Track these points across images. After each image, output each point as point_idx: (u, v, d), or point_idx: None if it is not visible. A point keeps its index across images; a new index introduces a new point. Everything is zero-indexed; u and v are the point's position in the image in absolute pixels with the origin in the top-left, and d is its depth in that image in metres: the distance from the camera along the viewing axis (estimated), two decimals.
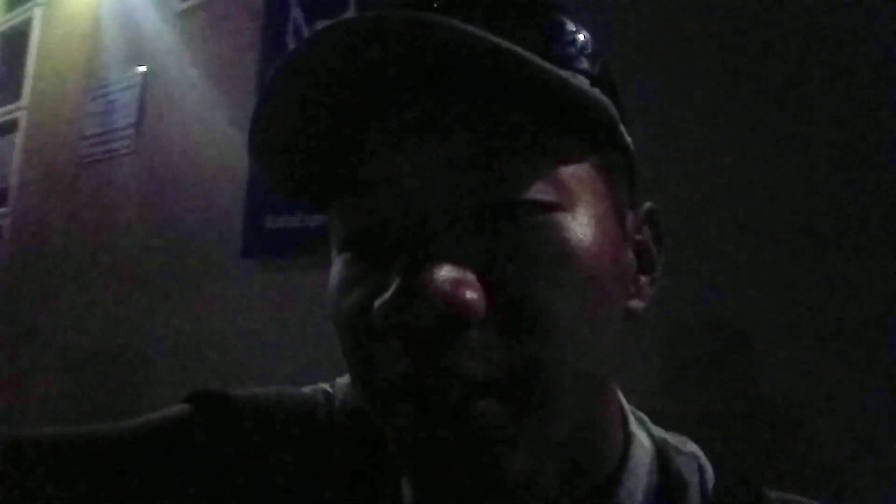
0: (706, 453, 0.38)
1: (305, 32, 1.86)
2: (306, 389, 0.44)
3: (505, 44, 0.26)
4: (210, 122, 2.10)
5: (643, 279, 0.35)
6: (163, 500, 0.36)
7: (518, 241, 0.28)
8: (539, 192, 0.28)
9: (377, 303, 0.27)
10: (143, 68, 2.39)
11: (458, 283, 0.26)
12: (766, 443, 1.06)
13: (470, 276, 0.27)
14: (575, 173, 0.30)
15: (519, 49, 0.26)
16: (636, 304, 0.34)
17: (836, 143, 1.04)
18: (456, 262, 0.27)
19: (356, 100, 0.30)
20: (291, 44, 1.88)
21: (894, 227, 0.98)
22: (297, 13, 1.88)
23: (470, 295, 0.26)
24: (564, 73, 0.28)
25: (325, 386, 0.44)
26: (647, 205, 0.37)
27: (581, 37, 0.33)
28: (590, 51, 0.33)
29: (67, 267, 2.51)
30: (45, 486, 0.34)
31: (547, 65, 0.27)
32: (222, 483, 0.37)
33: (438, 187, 0.28)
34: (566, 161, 0.30)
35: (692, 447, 0.38)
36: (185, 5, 2.29)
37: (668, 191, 1.15)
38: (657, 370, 1.16)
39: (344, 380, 0.45)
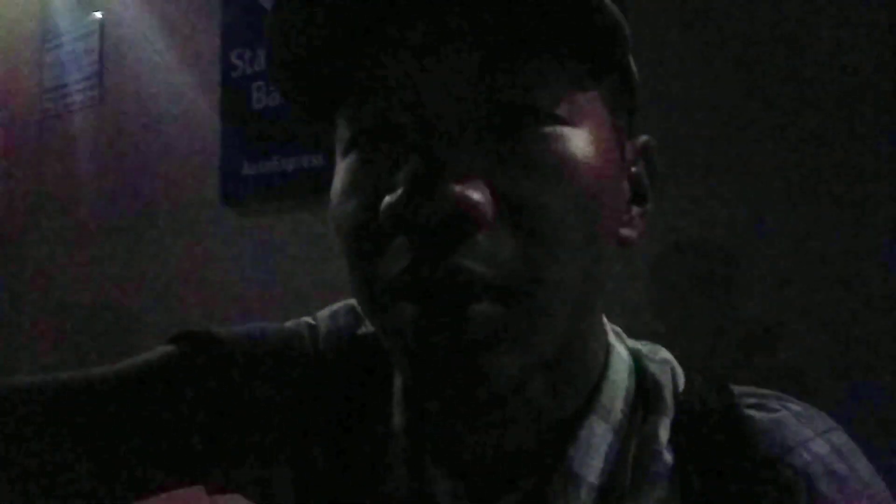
0: (677, 358, 0.40)
1: None
2: (289, 324, 0.45)
3: None
4: (175, 70, 2.03)
5: (635, 210, 0.37)
6: (154, 439, 0.37)
7: (526, 150, 0.29)
8: (549, 102, 0.29)
9: (386, 199, 0.28)
10: (98, 14, 2.29)
11: (468, 186, 0.27)
12: (741, 357, 1.10)
13: (479, 181, 0.28)
14: (583, 95, 0.31)
15: None
16: (628, 232, 0.36)
17: (827, 74, 1.04)
18: (466, 166, 0.28)
19: (377, 6, 0.30)
20: None
21: (890, 153, 0.99)
22: None
23: (479, 197, 0.27)
24: None
25: (308, 319, 0.45)
26: (644, 138, 0.38)
27: None
28: None
29: (38, 223, 2.47)
30: (35, 433, 0.35)
31: None
32: (213, 419, 0.38)
33: (452, 90, 0.29)
34: (575, 82, 0.30)
35: (664, 354, 0.40)
36: None
37: (657, 114, 1.15)
38: (644, 291, 1.18)
39: (325, 312, 0.46)
